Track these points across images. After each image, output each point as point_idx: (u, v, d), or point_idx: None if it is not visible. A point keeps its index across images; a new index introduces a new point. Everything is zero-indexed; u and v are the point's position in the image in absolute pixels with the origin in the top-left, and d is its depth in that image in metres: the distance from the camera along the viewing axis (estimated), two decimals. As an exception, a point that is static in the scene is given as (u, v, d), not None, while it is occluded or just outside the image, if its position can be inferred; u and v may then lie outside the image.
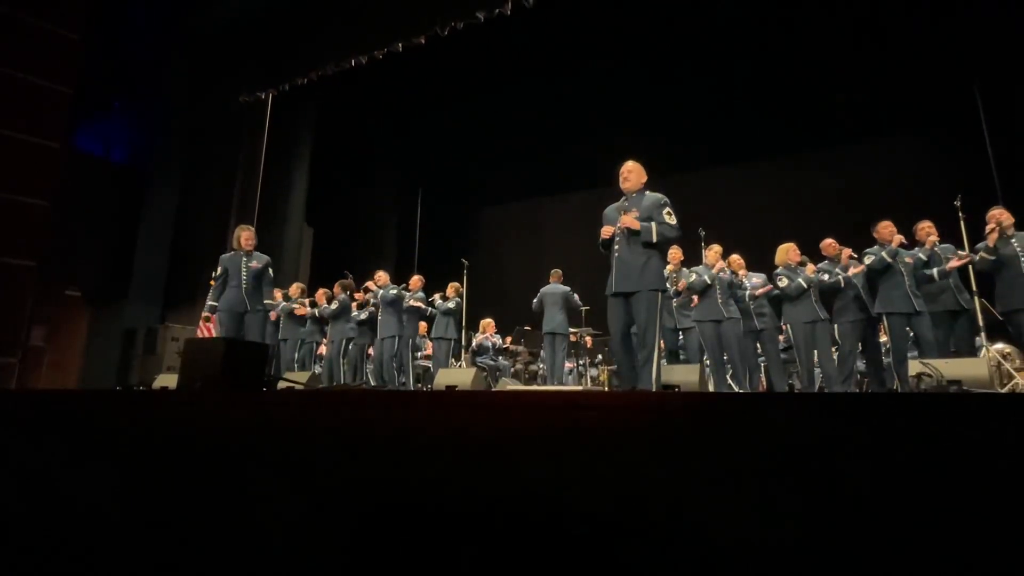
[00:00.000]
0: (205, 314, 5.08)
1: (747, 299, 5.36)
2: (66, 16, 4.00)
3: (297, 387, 3.46)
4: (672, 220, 3.42)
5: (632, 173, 3.60)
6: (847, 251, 5.01)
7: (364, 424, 1.54)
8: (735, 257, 5.47)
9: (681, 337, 5.60)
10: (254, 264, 5.19)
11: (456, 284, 6.99)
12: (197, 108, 8.71)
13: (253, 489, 1.58)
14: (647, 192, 3.56)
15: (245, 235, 5.29)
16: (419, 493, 1.38)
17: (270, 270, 5.35)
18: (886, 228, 4.68)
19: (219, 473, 1.66)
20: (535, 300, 6.63)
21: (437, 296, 6.97)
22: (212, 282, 7.72)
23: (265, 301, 5.24)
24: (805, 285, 4.96)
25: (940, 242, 4.70)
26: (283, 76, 8.26)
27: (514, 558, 1.22)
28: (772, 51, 7.62)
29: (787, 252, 5.16)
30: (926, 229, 4.74)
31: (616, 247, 3.52)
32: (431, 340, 7.20)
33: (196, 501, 1.64)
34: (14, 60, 3.78)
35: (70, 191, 7.22)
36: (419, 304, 6.66)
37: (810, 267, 5.05)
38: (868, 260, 4.67)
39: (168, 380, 5.31)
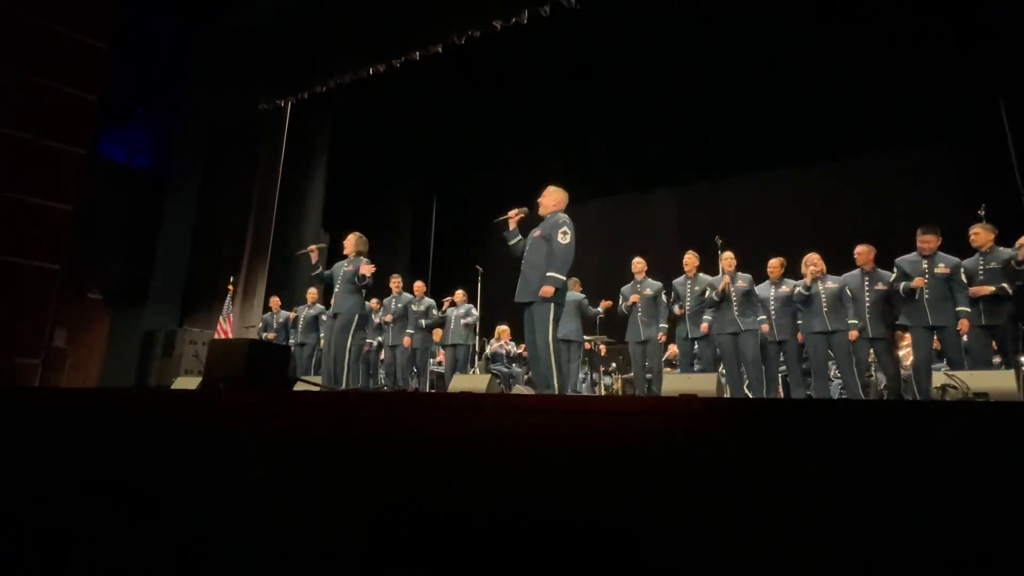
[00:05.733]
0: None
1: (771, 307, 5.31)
2: (94, 26, 4.09)
3: (313, 389, 3.48)
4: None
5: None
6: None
7: (385, 427, 1.55)
8: (775, 261, 5.42)
9: (696, 347, 5.55)
10: (348, 268, 5.09)
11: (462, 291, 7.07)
12: (217, 115, 8.85)
13: (277, 487, 1.60)
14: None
15: (347, 239, 5.23)
16: (436, 495, 1.38)
17: (360, 271, 5.04)
18: (923, 241, 4.56)
19: (238, 472, 1.67)
20: None
21: (447, 303, 7.00)
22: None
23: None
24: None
25: (988, 249, 4.46)
26: (301, 84, 8.37)
27: (533, 563, 1.21)
28: (794, 60, 7.56)
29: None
30: (976, 238, 4.50)
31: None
32: (443, 348, 7.23)
33: (213, 499, 1.66)
34: (44, 69, 3.87)
35: (93, 196, 7.36)
36: (427, 321, 6.73)
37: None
38: (894, 275, 4.67)
39: (186, 383, 5.33)
